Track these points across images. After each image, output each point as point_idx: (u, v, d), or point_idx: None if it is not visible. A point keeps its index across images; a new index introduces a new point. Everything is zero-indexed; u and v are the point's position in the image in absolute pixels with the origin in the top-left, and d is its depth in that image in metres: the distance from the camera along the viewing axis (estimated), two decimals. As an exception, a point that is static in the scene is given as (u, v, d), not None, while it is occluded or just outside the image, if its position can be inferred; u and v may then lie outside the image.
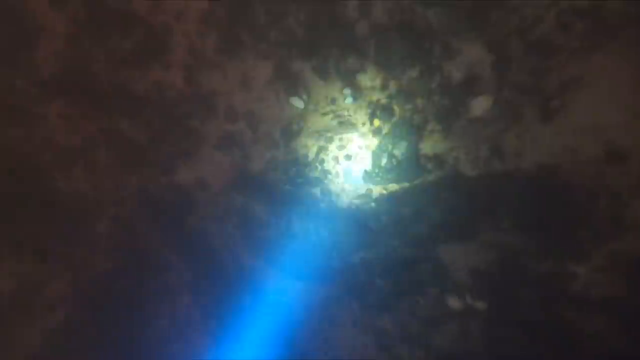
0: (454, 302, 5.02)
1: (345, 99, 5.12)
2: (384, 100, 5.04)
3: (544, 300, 4.53)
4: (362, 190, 5.52)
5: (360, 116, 5.20)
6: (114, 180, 5.57)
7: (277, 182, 5.77)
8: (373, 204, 5.49)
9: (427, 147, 4.95)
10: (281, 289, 5.91)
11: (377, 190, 5.43)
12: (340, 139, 5.42)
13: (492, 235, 4.79)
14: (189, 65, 5.07)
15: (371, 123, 5.21)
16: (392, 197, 5.27)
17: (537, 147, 4.35)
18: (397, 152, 5.07)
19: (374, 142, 5.27)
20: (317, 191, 5.71)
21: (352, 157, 5.48)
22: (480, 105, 4.60)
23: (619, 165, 3.96)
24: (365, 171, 5.38)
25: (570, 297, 4.42)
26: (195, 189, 5.90)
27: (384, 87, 4.97)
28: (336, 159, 5.54)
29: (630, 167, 3.88)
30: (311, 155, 5.59)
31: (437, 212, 4.96)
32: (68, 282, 5.92)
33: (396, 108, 5.04)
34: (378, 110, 5.06)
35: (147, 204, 5.86)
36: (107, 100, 5.04)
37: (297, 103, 5.27)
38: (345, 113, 5.24)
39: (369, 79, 4.98)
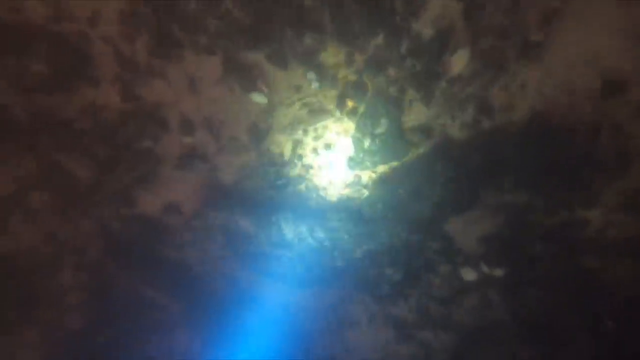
0: (469, 275, 4.73)
1: (310, 84, 4.54)
2: (352, 77, 4.51)
3: (559, 254, 4.31)
4: (350, 179, 5.05)
5: (331, 99, 4.66)
6: (65, 225, 4.80)
7: (256, 189, 5.18)
8: (365, 191, 5.04)
9: (410, 119, 4.50)
10: (287, 301, 5.43)
11: (365, 175, 4.97)
12: (315, 129, 4.88)
13: (495, 199, 4.48)
14: (122, 77, 4.30)
15: (344, 105, 4.68)
16: (383, 180, 4.83)
17: (527, 93, 3.99)
18: (379, 131, 4.59)
19: (351, 125, 4.76)
20: (302, 189, 5.18)
21: (331, 145, 4.95)
22: (458, 61, 4.16)
23: (618, 95, 3.67)
24: (350, 157, 4.89)
25: (586, 245, 4.21)
26: (164, 216, 5.22)
27: (349, 62, 4.43)
28: (315, 150, 5.00)
29: (629, 95, 3.60)
30: (287, 152, 5.03)
31: (434, 186, 4.58)
32: (38, 350, 5.16)
33: (367, 82, 4.53)
34: (349, 89, 4.53)
35: (111, 243, 5.13)
36: (32, 134, 4.22)
37: (259, 98, 4.64)
38: (314, 99, 4.68)
39: (331, 56, 4.41)
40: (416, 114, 4.44)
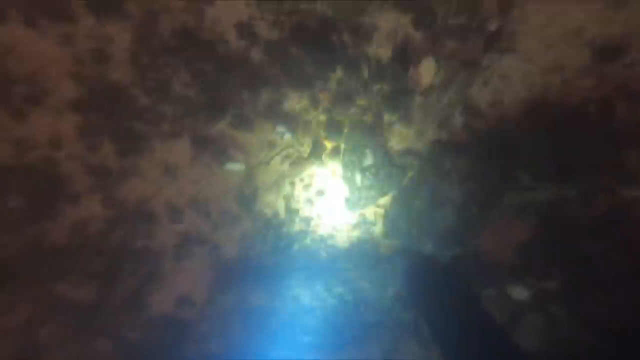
0: (519, 293, 4.07)
1: (282, 136, 4.33)
2: (322, 117, 4.28)
3: (614, 246, 3.63)
4: (355, 219, 4.66)
5: (309, 146, 4.41)
6: (80, 354, 4.59)
7: (260, 258, 4.86)
8: (375, 228, 4.61)
9: (394, 142, 4.16)
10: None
11: (370, 212, 4.58)
12: (302, 180, 4.60)
13: (517, 199, 3.93)
14: (98, 186, 4.26)
15: (323, 147, 4.41)
16: (390, 212, 4.40)
17: (511, 84, 3.59)
18: (367, 164, 4.25)
19: (337, 165, 4.46)
20: (307, 244, 4.81)
21: (324, 191, 4.63)
22: (425, 71, 3.87)
23: (617, 60, 3.20)
24: (346, 199, 4.54)
25: (642, 226, 3.53)
26: (178, 311, 4.93)
27: (314, 103, 4.22)
28: (309, 201, 4.69)
29: (631, 57, 3.12)
30: (281, 210, 4.74)
31: (446, 202, 4.08)
32: None
33: (339, 119, 4.28)
34: (322, 131, 4.28)
35: (131, 354, 4.84)
36: (25, 270, 4.16)
37: (236, 166, 4.46)
38: (292, 150, 4.45)
39: (295, 104, 4.23)
40: (400, 137, 4.10)
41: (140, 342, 4.96)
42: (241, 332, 4.82)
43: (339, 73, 4.03)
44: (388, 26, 3.88)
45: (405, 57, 3.86)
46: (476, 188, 3.74)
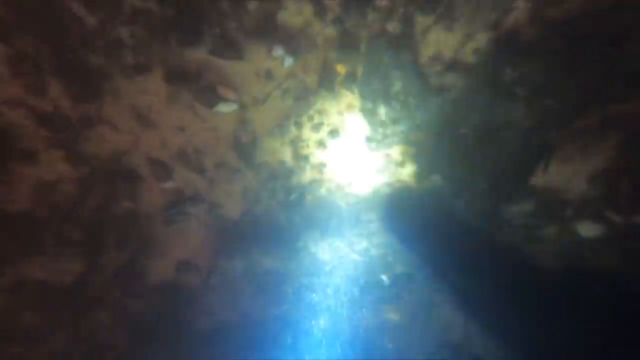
0: (589, 229, 3.26)
1: (281, 62, 3.34)
2: (331, 31, 3.23)
3: None
4: (380, 163, 3.81)
5: (315, 73, 3.42)
6: (79, 332, 4.16)
7: (269, 215, 4.16)
8: (404, 170, 3.76)
9: (431, 56, 3.13)
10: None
11: (397, 151, 3.70)
12: (310, 118, 3.69)
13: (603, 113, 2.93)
14: (57, 140, 3.42)
15: (334, 74, 3.42)
16: (424, 149, 3.51)
17: None
18: (393, 90, 3.29)
19: (353, 97, 3.51)
20: (323, 196, 4.07)
21: (338, 130, 3.75)
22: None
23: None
24: (367, 137, 3.67)
25: None
26: (181, 277, 4.40)
27: (320, 11, 3.14)
28: (321, 143, 3.83)
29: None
30: (287, 157, 3.92)
31: (507, 126, 3.12)
32: None
33: (354, 32, 3.22)
34: (332, 51, 3.26)
35: (138, 329, 4.43)
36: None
37: (227, 107, 3.54)
38: (294, 81, 3.48)
39: (294, 15, 3.16)
40: (438, 46, 3.07)
41: (145, 312, 4.52)
42: (253, 300, 4.31)
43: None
44: None
45: None
46: (554, 103, 2.75)
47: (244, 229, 4.28)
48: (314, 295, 4.09)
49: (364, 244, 4.02)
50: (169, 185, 4.01)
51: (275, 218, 4.19)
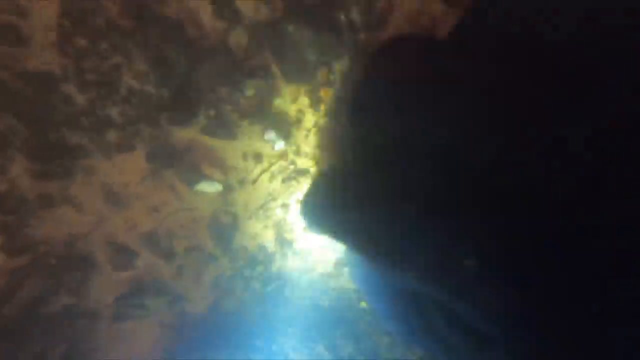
0: None
1: (272, 145, 3.34)
2: (325, 121, 3.39)
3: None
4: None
5: (307, 156, 3.45)
6: None
7: (241, 310, 3.64)
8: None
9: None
10: None
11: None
12: (299, 200, 3.58)
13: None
14: (5, 223, 2.89)
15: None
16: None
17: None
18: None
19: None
20: (305, 286, 3.71)
21: (325, 215, 3.63)
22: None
23: None
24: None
25: None
26: None
27: (315, 102, 3.33)
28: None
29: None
30: (269, 242, 3.64)
31: None
32: None
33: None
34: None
35: None
36: None
37: (210, 187, 3.35)
38: (285, 163, 3.45)
39: (289, 102, 3.31)
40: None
41: None
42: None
43: (344, 59, 3.21)
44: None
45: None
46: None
47: (210, 326, 3.66)
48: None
49: (349, 348, 3.56)
50: (127, 274, 3.44)
51: (248, 313, 3.66)
